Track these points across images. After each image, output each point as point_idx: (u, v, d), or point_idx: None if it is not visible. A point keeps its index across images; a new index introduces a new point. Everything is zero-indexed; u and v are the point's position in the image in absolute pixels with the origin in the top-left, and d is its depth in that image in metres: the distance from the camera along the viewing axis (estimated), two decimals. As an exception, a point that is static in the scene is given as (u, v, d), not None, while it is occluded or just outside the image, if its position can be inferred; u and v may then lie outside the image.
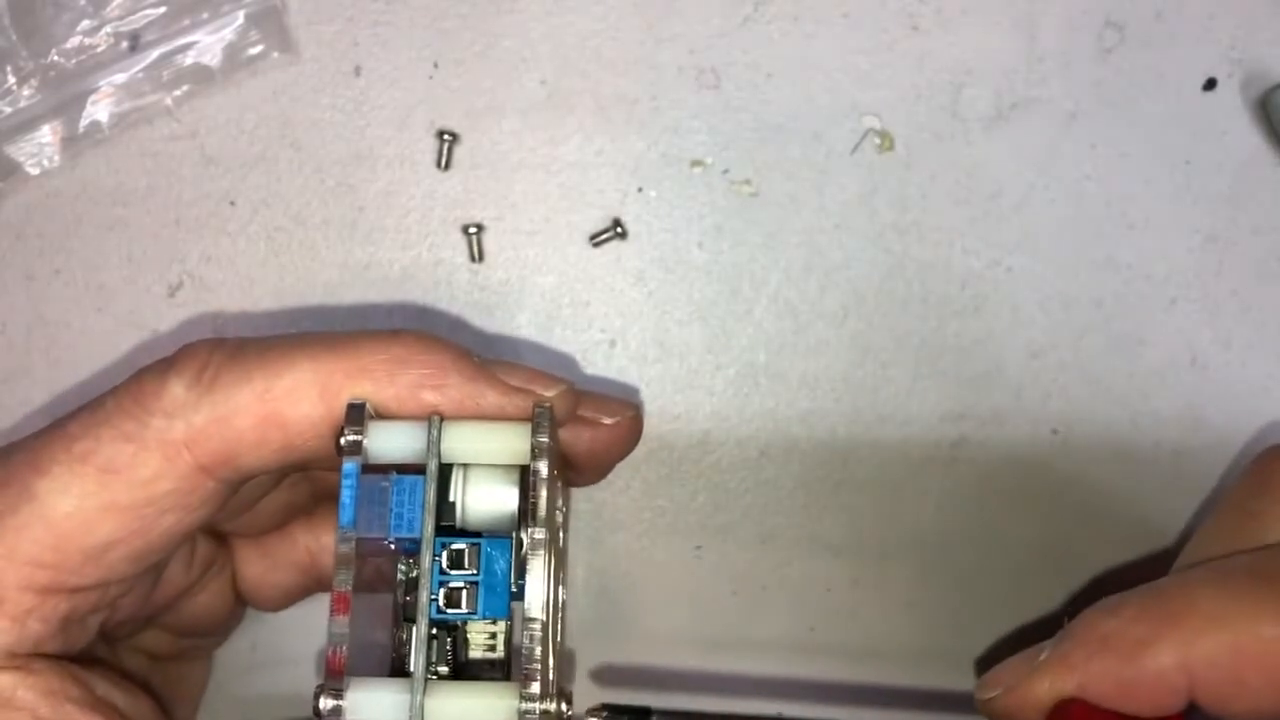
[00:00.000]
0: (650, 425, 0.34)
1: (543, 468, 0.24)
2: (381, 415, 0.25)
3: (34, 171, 0.33)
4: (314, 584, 0.30)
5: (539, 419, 0.25)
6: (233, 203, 0.34)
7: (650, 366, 0.34)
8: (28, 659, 0.25)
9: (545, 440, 0.25)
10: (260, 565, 0.30)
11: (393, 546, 0.25)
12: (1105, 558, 0.34)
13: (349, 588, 0.24)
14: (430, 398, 0.25)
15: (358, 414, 0.25)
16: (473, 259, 0.34)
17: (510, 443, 0.25)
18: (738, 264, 0.34)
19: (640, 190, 0.34)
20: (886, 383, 0.34)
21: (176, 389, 0.25)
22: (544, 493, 0.24)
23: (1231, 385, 0.34)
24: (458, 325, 0.34)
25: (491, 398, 0.26)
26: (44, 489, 0.24)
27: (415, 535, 0.25)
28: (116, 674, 0.27)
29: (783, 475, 0.34)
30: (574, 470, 0.29)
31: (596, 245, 0.34)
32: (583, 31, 0.34)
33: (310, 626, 0.32)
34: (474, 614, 0.25)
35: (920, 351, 0.34)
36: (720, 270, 0.34)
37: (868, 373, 0.34)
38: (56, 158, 0.34)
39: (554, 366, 0.34)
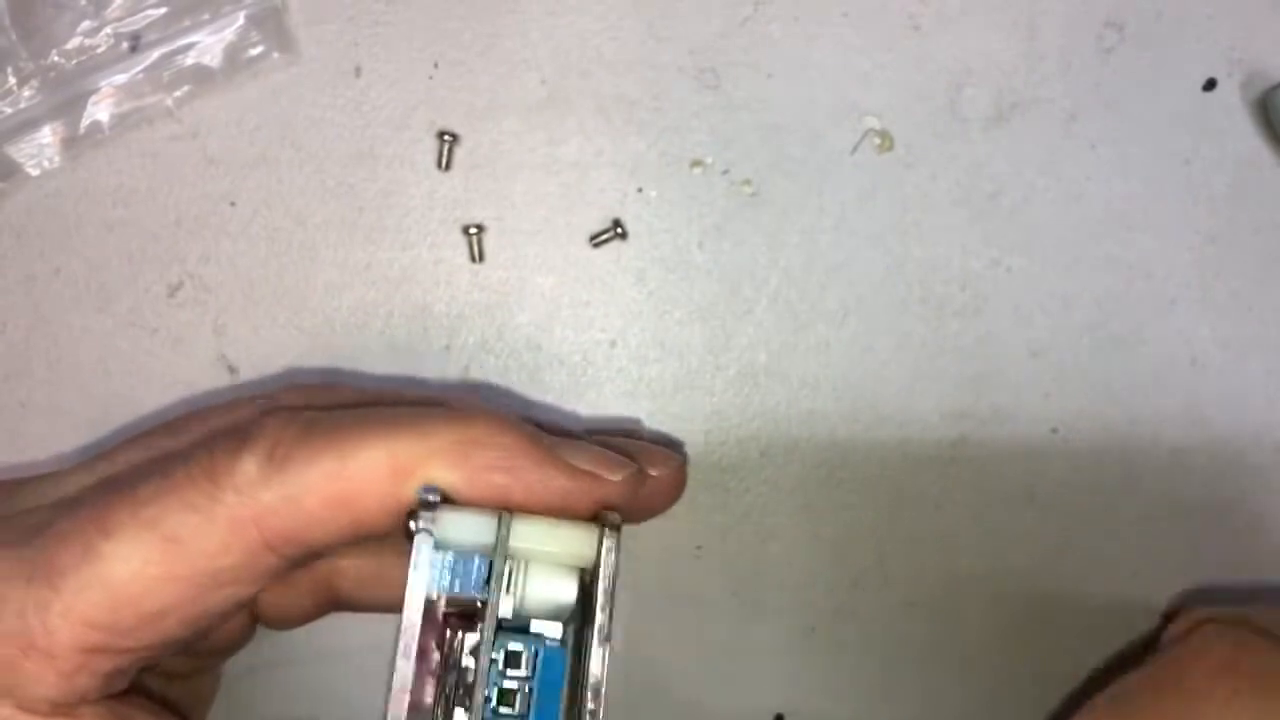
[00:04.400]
0: (650, 426, 0.34)
1: (611, 580, 0.25)
2: (449, 495, 0.26)
3: (34, 172, 0.34)
4: (327, 606, 0.30)
5: (608, 530, 0.26)
6: (233, 203, 0.34)
7: (650, 366, 0.34)
8: (73, 706, 0.25)
9: (613, 557, 0.25)
10: (277, 590, 0.30)
11: (443, 607, 0.26)
12: (1104, 558, 0.34)
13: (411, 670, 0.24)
14: (500, 480, 0.26)
15: (431, 504, 0.25)
16: (473, 259, 0.34)
17: (578, 546, 0.26)
18: (738, 264, 0.34)
19: (640, 190, 0.34)
20: (886, 383, 0.34)
21: (249, 466, 0.25)
22: (609, 608, 0.25)
23: (1231, 385, 0.34)
24: (458, 325, 0.34)
25: (560, 481, 0.26)
26: (108, 551, 0.25)
27: (468, 595, 0.25)
28: (151, 702, 0.27)
29: (783, 475, 0.34)
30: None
31: (596, 245, 0.34)
32: (583, 31, 0.34)
33: (314, 626, 0.32)
34: (525, 718, 0.25)
35: (920, 351, 0.34)
36: (720, 270, 0.34)
37: (868, 373, 0.34)
38: (57, 158, 0.34)
39: (554, 366, 0.34)
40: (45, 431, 0.33)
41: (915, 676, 0.34)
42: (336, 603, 0.30)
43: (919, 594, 0.34)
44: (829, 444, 0.34)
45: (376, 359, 0.34)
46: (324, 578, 0.30)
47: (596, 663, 0.25)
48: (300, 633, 0.32)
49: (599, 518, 0.26)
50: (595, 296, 0.34)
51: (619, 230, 0.34)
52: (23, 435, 0.33)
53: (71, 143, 0.33)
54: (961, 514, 0.34)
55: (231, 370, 0.34)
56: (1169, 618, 0.31)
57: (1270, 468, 0.34)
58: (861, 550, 0.34)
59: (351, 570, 0.30)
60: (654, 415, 0.34)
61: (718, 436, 0.34)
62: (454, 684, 0.26)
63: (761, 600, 0.34)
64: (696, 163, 0.34)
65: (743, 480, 0.34)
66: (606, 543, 0.26)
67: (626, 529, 0.30)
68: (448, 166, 0.34)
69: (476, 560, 0.25)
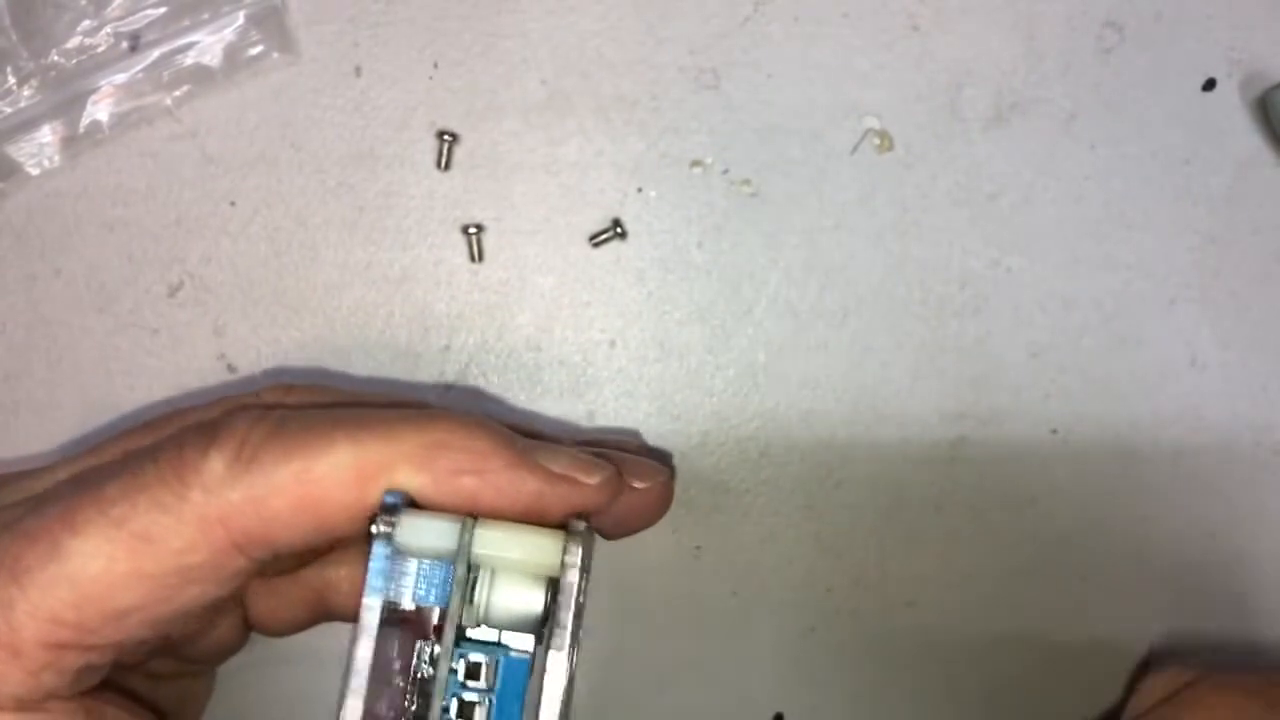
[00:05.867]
0: (650, 426, 0.34)
1: (572, 591, 0.25)
2: (419, 501, 0.25)
3: (34, 172, 0.34)
4: (321, 615, 0.30)
5: (571, 537, 0.25)
6: (233, 203, 0.34)
7: (650, 366, 0.34)
8: (40, 702, 0.25)
9: (576, 567, 0.25)
10: (269, 601, 0.30)
11: (412, 610, 0.25)
12: (1104, 558, 0.34)
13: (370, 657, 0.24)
14: (469, 483, 0.25)
15: (392, 508, 0.25)
16: (473, 259, 0.34)
17: (541, 554, 0.25)
18: (738, 264, 0.34)
19: (640, 190, 0.34)
20: (886, 383, 0.34)
21: (216, 464, 0.25)
22: (571, 620, 0.24)
23: (1231, 385, 0.34)
24: (458, 325, 0.34)
25: (532, 485, 0.26)
26: (75, 549, 0.24)
27: (434, 604, 0.25)
28: (125, 699, 0.27)
29: (783, 475, 0.34)
30: (601, 533, 0.29)
31: (596, 245, 0.34)
32: (583, 32, 0.34)
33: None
34: None
35: (920, 351, 0.34)
36: (720, 270, 0.34)
37: (868, 373, 0.34)
38: (57, 158, 0.34)
39: (554, 366, 0.34)
40: (45, 431, 0.33)
41: (915, 677, 0.34)
42: (329, 613, 0.30)
43: (919, 594, 0.34)
44: (829, 444, 0.34)
45: (376, 359, 0.34)
46: (316, 588, 0.30)
47: (554, 678, 0.24)
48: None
49: (566, 525, 0.26)
50: (595, 296, 0.34)
51: (619, 230, 0.34)
52: (22, 435, 0.33)
53: (71, 142, 0.33)
54: (961, 514, 0.34)
55: (231, 370, 0.34)
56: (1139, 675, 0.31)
57: (1270, 468, 0.34)
58: (861, 550, 0.34)
59: (344, 581, 0.30)
60: (654, 415, 0.34)
61: (717, 436, 0.34)
62: (418, 696, 0.25)
63: (761, 600, 0.34)
64: (696, 163, 0.34)
65: (743, 480, 0.34)
66: (570, 549, 0.25)
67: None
68: (447, 166, 0.34)
69: (440, 563, 0.25)
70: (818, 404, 0.34)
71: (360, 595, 0.30)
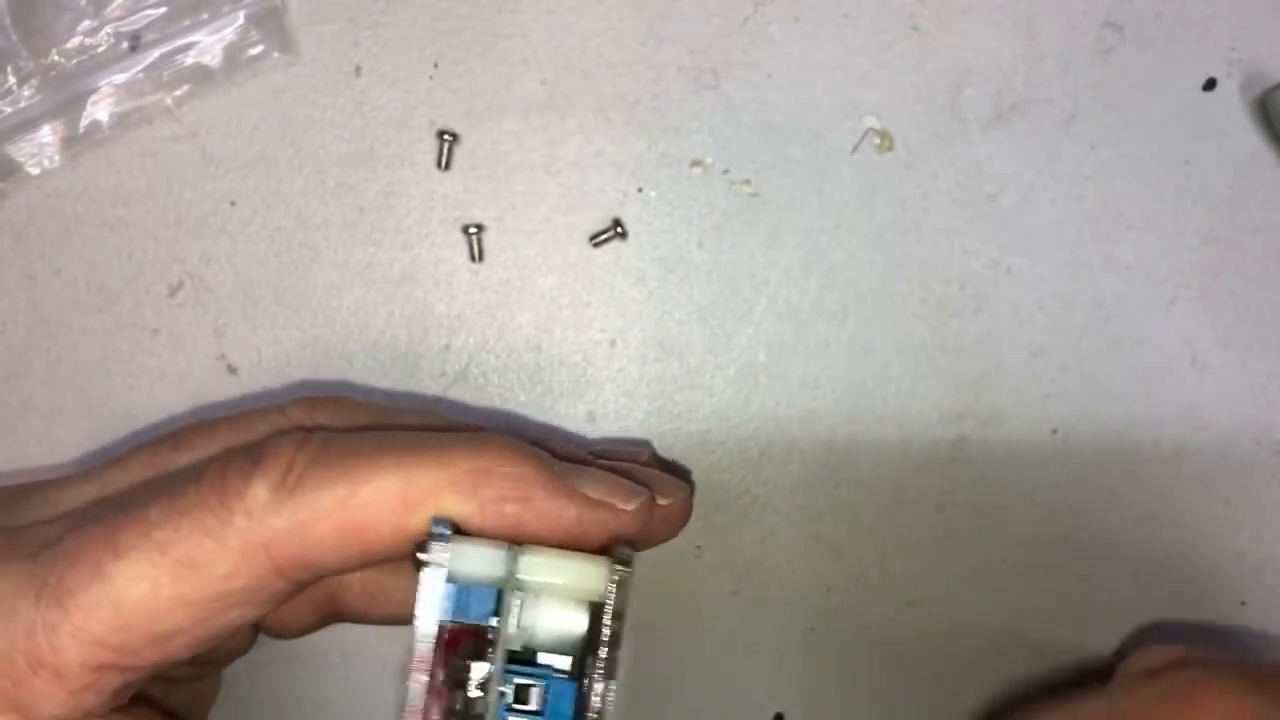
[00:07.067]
0: (650, 426, 0.34)
1: (623, 618, 0.25)
2: (462, 526, 0.26)
3: (34, 171, 0.34)
4: (330, 618, 0.30)
5: (617, 562, 0.25)
6: (233, 203, 0.34)
7: (650, 366, 0.34)
8: None
9: (622, 593, 0.25)
10: (281, 605, 0.30)
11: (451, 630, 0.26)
12: (1104, 559, 0.34)
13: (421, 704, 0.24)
14: (513, 510, 0.25)
15: (442, 537, 0.25)
16: (473, 259, 0.34)
17: (587, 580, 0.25)
18: (738, 264, 0.34)
19: (640, 190, 0.34)
20: (886, 383, 0.34)
21: (260, 490, 0.25)
22: (616, 643, 0.25)
23: (1231, 385, 0.34)
24: (457, 325, 0.34)
25: (572, 511, 0.26)
26: (119, 573, 0.24)
27: (478, 621, 0.25)
28: (151, 709, 0.27)
29: (783, 475, 0.34)
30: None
31: (596, 245, 0.34)
32: (583, 32, 0.34)
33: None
34: None
35: (920, 351, 0.34)
36: (720, 270, 0.34)
37: (868, 373, 0.34)
38: (57, 158, 0.34)
39: (554, 366, 0.34)
40: (45, 432, 0.33)
41: (915, 676, 0.34)
42: (338, 614, 0.30)
43: (919, 594, 0.34)
44: (829, 444, 0.34)
45: (376, 359, 0.34)
46: (327, 592, 0.30)
47: (599, 698, 0.25)
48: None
49: (610, 551, 0.26)
50: (595, 296, 0.34)
51: (619, 230, 0.34)
52: (23, 436, 0.33)
53: (71, 142, 0.33)
54: (961, 514, 0.34)
55: (231, 370, 0.34)
56: (1119, 656, 0.32)
57: (1270, 468, 0.34)
58: (861, 550, 0.34)
59: (355, 585, 0.30)
60: (654, 415, 0.34)
61: (718, 436, 0.34)
62: (462, 712, 0.25)
63: (761, 600, 0.34)
64: (696, 163, 0.34)
65: (743, 480, 0.34)
66: (618, 577, 0.25)
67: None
68: (448, 166, 0.34)
69: (484, 587, 0.25)
70: (818, 404, 0.34)
71: (370, 603, 0.30)
